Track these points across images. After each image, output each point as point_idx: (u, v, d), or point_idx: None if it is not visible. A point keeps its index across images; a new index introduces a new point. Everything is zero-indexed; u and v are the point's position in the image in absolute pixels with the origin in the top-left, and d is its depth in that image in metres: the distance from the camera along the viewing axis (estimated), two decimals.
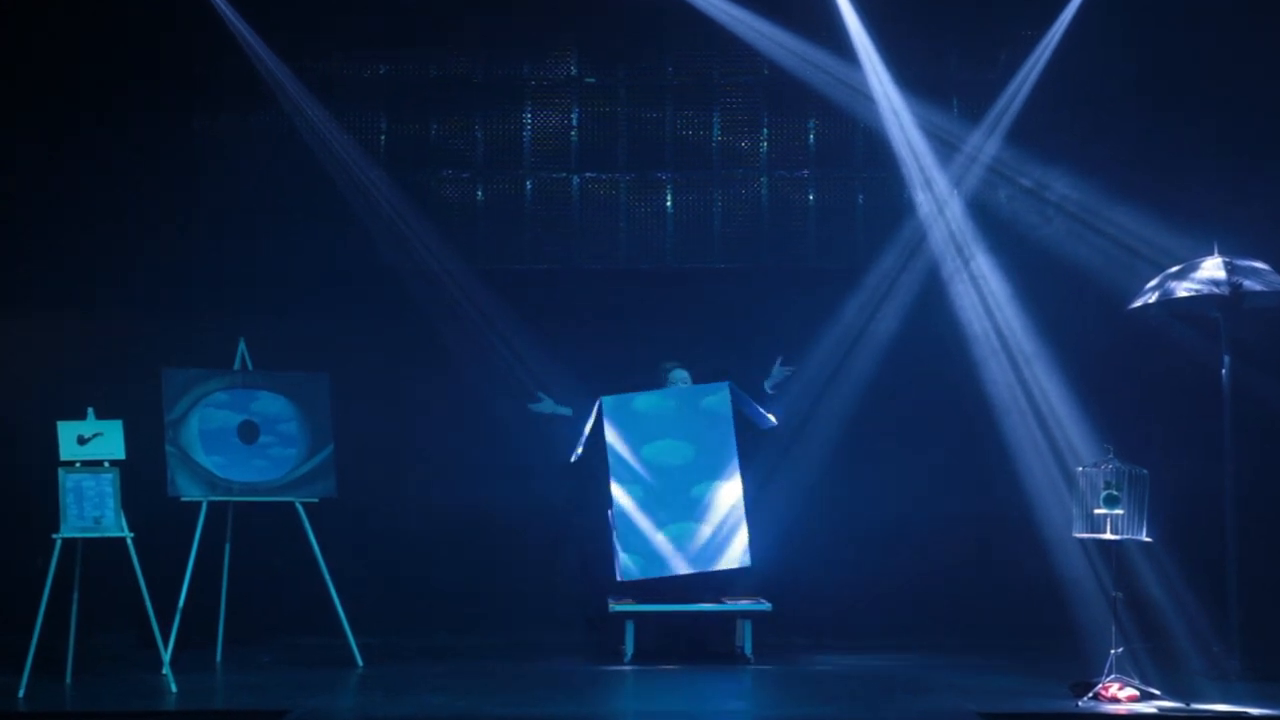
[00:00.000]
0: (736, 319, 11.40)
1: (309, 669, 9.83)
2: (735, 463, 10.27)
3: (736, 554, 10.19)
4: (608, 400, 10.31)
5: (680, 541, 10.19)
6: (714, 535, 10.20)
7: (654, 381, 10.59)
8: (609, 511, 10.29)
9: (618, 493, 10.20)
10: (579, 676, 9.68)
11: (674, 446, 10.30)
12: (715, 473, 10.26)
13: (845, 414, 11.21)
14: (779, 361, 10.60)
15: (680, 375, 10.58)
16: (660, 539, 10.19)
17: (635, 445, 10.29)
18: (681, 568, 10.18)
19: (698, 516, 10.22)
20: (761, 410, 10.44)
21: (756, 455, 10.55)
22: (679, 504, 10.23)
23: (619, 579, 10.18)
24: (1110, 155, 11.14)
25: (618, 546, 10.18)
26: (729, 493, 10.24)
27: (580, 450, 10.37)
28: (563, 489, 11.04)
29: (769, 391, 10.57)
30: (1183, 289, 9.53)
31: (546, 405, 10.61)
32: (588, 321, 11.31)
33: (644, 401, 10.38)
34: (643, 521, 10.19)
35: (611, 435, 10.27)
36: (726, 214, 11.77)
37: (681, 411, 10.35)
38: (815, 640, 10.82)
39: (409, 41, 11.62)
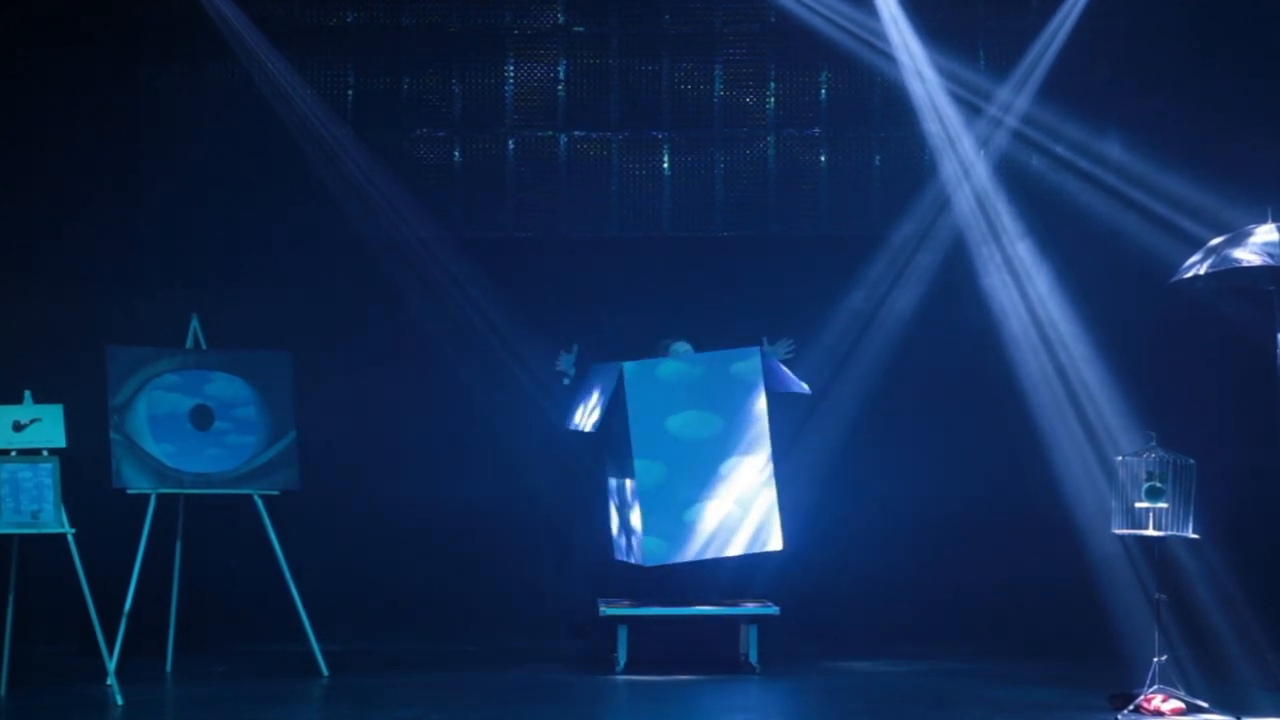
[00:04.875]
0: (740, 292, 11.37)
1: (268, 679, 9.80)
2: (766, 436, 10.12)
3: (768, 536, 10.08)
4: (630, 367, 10.12)
5: (709, 522, 10.07)
6: (745, 516, 10.08)
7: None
8: (625, 485, 10.15)
9: (641, 468, 10.05)
10: (566, 688, 9.63)
11: (702, 418, 10.15)
12: (746, 447, 10.11)
13: (860, 398, 11.20)
14: (765, 340, 10.40)
15: (682, 348, 10.43)
16: (688, 519, 10.06)
17: (660, 416, 10.10)
18: (711, 551, 10.04)
19: (728, 495, 10.08)
20: (792, 375, 10.29)
21: (781, 428, 10.46)
22: (708, 481, 10.08)
23: (643, 564, 10.02)
24: (1152, 111, 11.14)
25: (639, 528, 10.05)
26: (760, 469, 10.11)
27: (598, 419, 10.16)
28: (553, 472, 11.02)
29: None
30: (1233, 259, 9.42)
31: (568, 361, 10.48)
32: (576, 295, 11.27)
33: (669, 369, 10.21)
34: (668, 500, 10.05)
35: (634, 406, 10.11)
36: (729, 177, 11.72)
37: (710, 379, 10.17)
38: (828, 647, 10.77)
39: None
